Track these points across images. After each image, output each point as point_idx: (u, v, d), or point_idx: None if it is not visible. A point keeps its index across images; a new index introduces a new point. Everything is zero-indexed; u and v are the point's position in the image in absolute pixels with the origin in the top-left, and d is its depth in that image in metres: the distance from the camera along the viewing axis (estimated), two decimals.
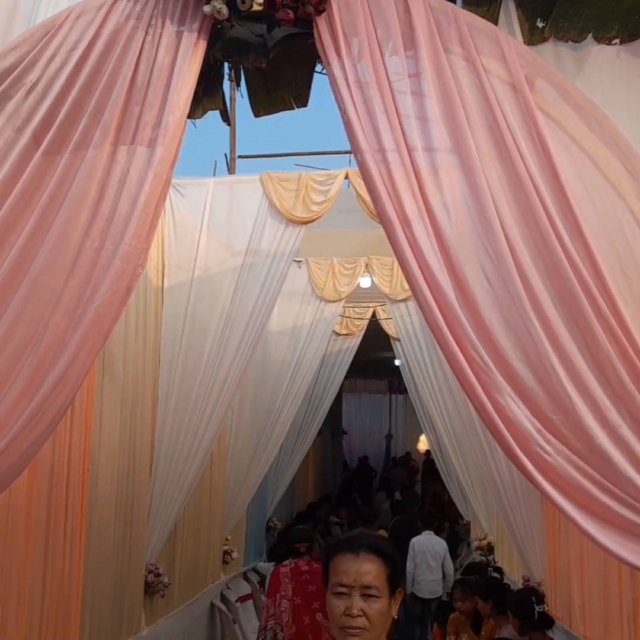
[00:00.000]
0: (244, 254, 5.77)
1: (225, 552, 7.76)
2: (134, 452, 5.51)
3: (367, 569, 2.05)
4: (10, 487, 4.04)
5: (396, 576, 2.11)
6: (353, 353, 9.65)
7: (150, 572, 5.70)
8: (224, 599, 7.52)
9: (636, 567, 2.30)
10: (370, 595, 2.03)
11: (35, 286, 2.46)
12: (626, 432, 2.27)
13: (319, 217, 5.44)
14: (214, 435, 6.02)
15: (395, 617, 2.10)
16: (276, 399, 8.10)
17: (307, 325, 8.07)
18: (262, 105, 2.95)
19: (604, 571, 4.29)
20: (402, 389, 18.68)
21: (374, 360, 13.61)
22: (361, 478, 17.26)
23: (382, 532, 9.55)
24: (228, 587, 7.79)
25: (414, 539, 8.39)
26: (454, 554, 10.74)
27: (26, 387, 2.40)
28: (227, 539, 7.83)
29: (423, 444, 17.65)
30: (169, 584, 5.86)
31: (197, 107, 2.82)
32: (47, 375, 2.40)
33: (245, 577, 8.52)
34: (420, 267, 2.44)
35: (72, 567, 4.63)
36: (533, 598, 4.77)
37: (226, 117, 2.94)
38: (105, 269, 2.46)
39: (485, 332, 2.37)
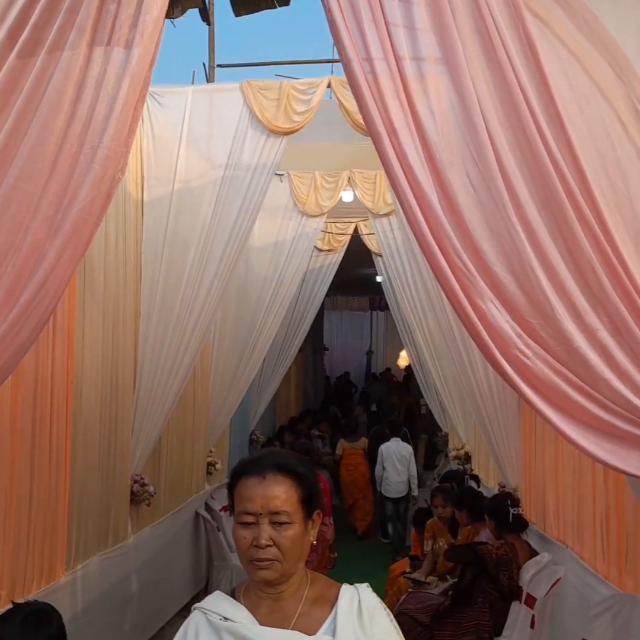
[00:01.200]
0: (225, 167, 5.67)
1: (209, 464, 7.92)
2: (117, 366, 5.54)
3: (275, 492, 1.81)
4: None
5: (311, 497, 1.87)
6: (335, 269, 9.65)
7: (135, 482, 5.82)
8: (208, 508, 7.71)
9: (611, 466, 2.37)
10: (280, 522, 1.80)
11: (13, 192, 2.41)
12: (604, 335, 2.31)
13: (301, 127, 5.33)
14: (196, 350, 6.06)
15: (313, 542, 1.89)
16: (258, 314, 8.12)
17: (289, 240, 8.03)
18: (242, 3, 2.85)
19: (578, 478, 4.42)
20: (383, 306, 18.81)
21: (356, 277, 13.65)
22: (342, 393, 17.53)
23: (364, 441, 9.73)
24: (212, 497, 7.97)
25: (382, 446, 9.27)
26: (432, 465, 11.06)
27: (7, 295, 2.38)
28: (211, 451, 7.97)
29: (403, 360, 17.90)
30: (155, 493, 5.99)
31: (175, 6, 2.73)
32: (28, 283, 2.39)
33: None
34: (405, 174, 2.42)
35: (59, 477, 4.71)
36: (508, 501, 4.94)
37: (206, 16, 2.84)
38: (84, 173, 2.41)
39: (468, 237, 2.38)
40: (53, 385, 4.63)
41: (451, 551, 5.38)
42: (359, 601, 1.84)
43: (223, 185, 5.67)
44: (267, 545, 1.77)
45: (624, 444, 2.31)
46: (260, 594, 1.85)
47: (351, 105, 4.99)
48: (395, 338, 17.84)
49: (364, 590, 1.89)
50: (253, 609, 1.84)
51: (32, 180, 2.42)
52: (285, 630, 1.80)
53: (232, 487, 1.88)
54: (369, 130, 2.48)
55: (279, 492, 1.81)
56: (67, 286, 2.60)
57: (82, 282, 5.05)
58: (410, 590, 5.85)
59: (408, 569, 6.36)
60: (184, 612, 6.99)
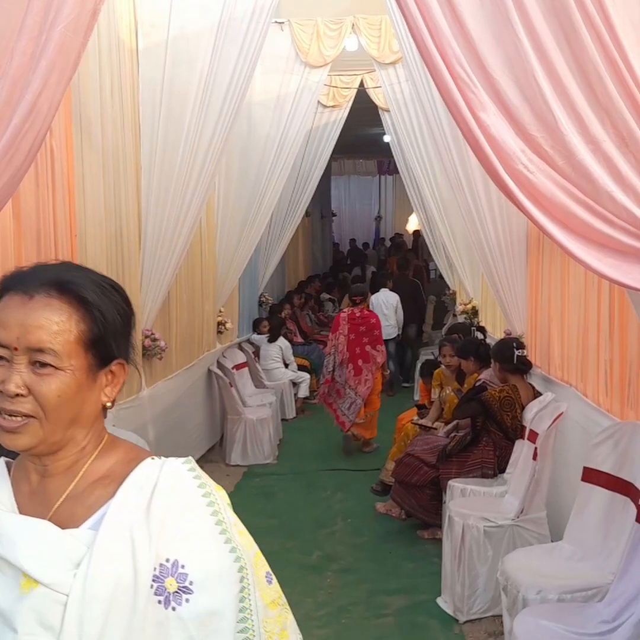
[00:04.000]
0: (221, 11, 5.42)
1: (220, 323, 8.02)
2: (121, 221, 5.51)
3: (40, 320, 1.20)
4: None
5: (105, 339, 1.25)
6: (340, 127, 9.38)
7: (146, 337, 5.91)
8: (220, 365, 7.87)
9: (614, 280, 2.37)
10: (43, 364, 1.20)
11: None
12: (610, 147, 2.24)
13: None
14: (200, 205, 5.99)
15: (110, 405, 1.29)
16: (262, 173, 7.98)
17: (292, 94, 7.77)
18: None
19: (584, 317, 4.45)
20: (391, 170, 18.49)
21: (363, 137, 13.33)
22: (352, 259, 17.53)
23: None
24: (224, 356, 8.13)
25: (372, 296, 9.93)
26: (441, 324, 11.18)
27: None
28: (220, 311, 8.06)
29: (412, 225, 17.78)
30: (166, 348, 6.09)
31: None
32: (17, 106, 2.32)
33: (239, 347, 8.87)
34: None
35: None
36: (514, 343, 5.00)
37: None
38: None
39: (471, 47, 2.27)
40: (56, 238, 4.62)
41: (458, 410, 5.44)
42: (157, 483, 1.21)
43: (220, 33, 5.43)
44: (18, 395, 1.19)
45: (627, 258, 2.29)
46: (28, 465, 1.29)
47: None
48: (404, 203, 17.66)
49: (173, 467, 1.24)
50: (17, 486, 1.29)
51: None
52: (34, 519, 1.22)
53: None
54: None
55: (45, 321, 1.20)
56: (57, 111, 2.52)
57: (79, 134, 4.94)
58: (418, 437, 6.05)
59: (416, 417, 6.53)
60: (201, 462, 7.28)
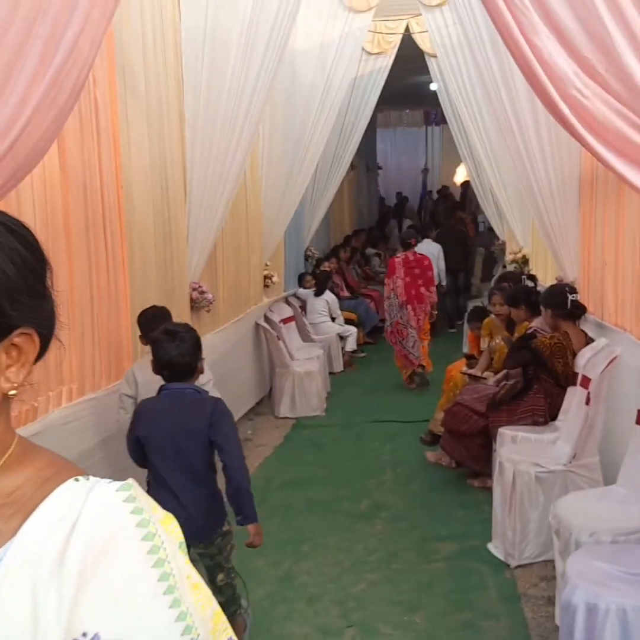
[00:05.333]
0: None
1: (266, 277, 8.02)
2: (166, 172, 5.50)
3: None
4: (46, 205, 4.10)
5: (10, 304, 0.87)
6: (385, 74, 9.18)
7: (194, 289, 5.94)
8: (267, 319, 7.89)
9: None
10: None
11: None
12: None
13: None
14: (244, 155, 5.95)
15: (14, 392, 0.89)
16: (306, 124, 7.88)
17: (335, 41, 7.63)
18: None
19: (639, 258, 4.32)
20: (438, 120, 18.13)
21: (409, 86, 13.06)
22: (399, 213, 17.32)
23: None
24: (271, 310, 8.14)
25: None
26: (490, 275, 11.02)
27: (40, 59, 2.30)
28: (266, 265, 8.05)
29: (460, 177, 17.46)
30: (213, 300, 6.12)
31: None
32: (59, 45, 2.30)
33: (286, 301, 8.88)
34: None
35: (117, 280, 4.81)
36: (566, 289, 4.88)
37: None
38: None
39: None
40: (102, 190, 4.63)
41: (508, 360, 5.34)
42: (78, 518, 0.82)
43: None
44: None
45: None
46: None
47: None
48: (451, 154, 17.32)
49: (103, 495, 0.85)
50: None
51: None
52: None
53: None
54: None
55: None
56: (98, 50, 2.49)
57: (122, 85, 4.92)
58: (467, 386, 6.00)
59: (465, 368, 6.47)
60: (250, 414, 7.36)
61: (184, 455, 3.05)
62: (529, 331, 5.24)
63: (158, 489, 3.07)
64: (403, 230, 14.87)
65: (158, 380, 3.32)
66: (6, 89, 2.28)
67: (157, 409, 3.11)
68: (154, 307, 4.48)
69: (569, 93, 2.18)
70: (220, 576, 3.29)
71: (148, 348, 3.81)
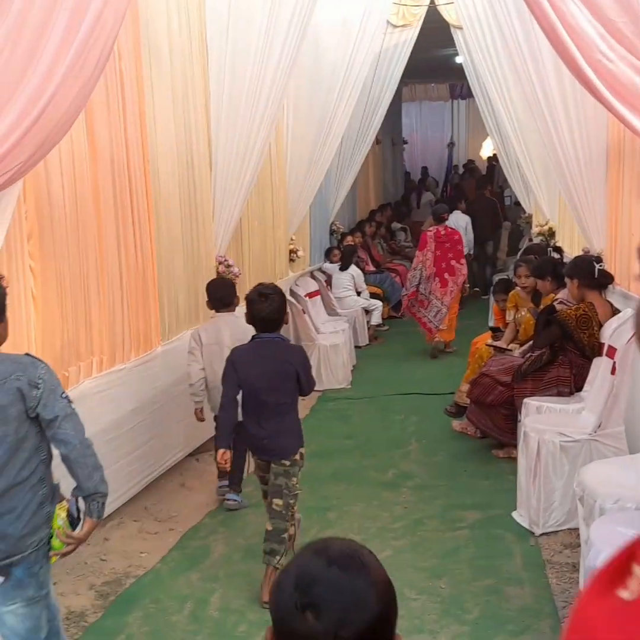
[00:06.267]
0: None
1: (291, 251, 8.05)
2: (192, 146, 5.54)
3: None
4: (74, 178, 4.15)
5: None
6: (410, 47, 9.09)
7: (220, 263, 5.99)
8: (293, 293, 7.93)
9: None
10: None
11: None
12: None
13: None
14: (269, 129, 5.96)
15: None
16: (331, 97, 7.85)
17: (360, 13, 7.58)
18: None
19: None
20: (464, 94, 17.95)
21: (434, 60, 12.94)
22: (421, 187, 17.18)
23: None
24: (296, 284, 8.18)
25: None
26: (516, 249, 10.96)
27: (65, 31, 2.34)
28: (292, 239, 8.07)
29: (485, 151, 17.31)
30: (239, 274, 6.16)
31: None
32: (84, 17, 2.33)
33: (312, 276, 8.91)
34: None
35: (145, 253, 4.87)
36: (593, 258, 4.86)
37: None
38: None
39: None
40: (129, 163, 4.68)
41: (538, 339, 5.23)
42: None
43: None
44: None
45: None
46: None
47: None
48: (477, 128, 17.17)
49: None
50: None
51: None
52: None
53: None
54: None
55: None
56: (122, 22, 2.53)
57: (148, 60, 4.96)
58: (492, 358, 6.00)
59: (490, 340, 6.47)
60: None
61: (274, 389, 3.67)
62: (556, 302, 5.23)
63: (247, 419, 3.74)
64: (421, 203, 14.90)
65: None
66: (33, 61, 2.32)
67: (251, 353, 3.74)
68: (220, 278, 5.59)
69: (595, 57, 2.17)
70: (278, 501, 3.70)
71: (211, 313, 4.98)
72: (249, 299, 3.72)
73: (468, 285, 8.89)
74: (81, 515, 2.44)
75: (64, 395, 2.42)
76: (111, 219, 4.50)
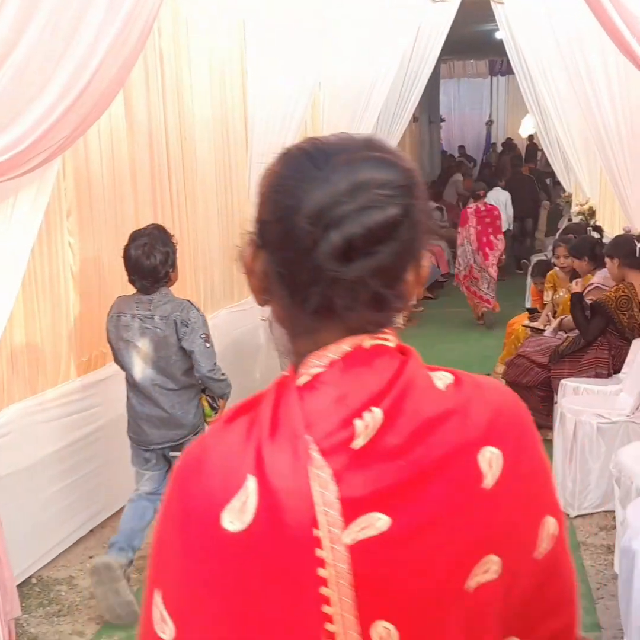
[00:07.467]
0: None
1: None
2: (228, 127, 5.56)
3: None
4: (113, 154, 4.18)
5: None
6: (449, 22, 8.92)
7: None
8: None
9: None
10: None
11: None
12: None
13: None
14: (305, 106, 5.96)
15: None
16: (368, 72, 7.76)
17: None
18: None
19: None
20: (504, 70, 17.65)
21: (474, 35, 12.73)
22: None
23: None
24: None
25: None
26: (554, 230, 10.81)
27: (109, 6, 2.34)
28: None
29: (525, 129, 17.04)
30: None
31: None
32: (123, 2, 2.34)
33: None
34: None
35: (181, 231, 4.89)
36: (634, 237, 4.76)
37: None
38: None
39: None
40: (168, 141, 4.71)
41: (586, 333, 5.02)
42: None
43: None
44: None
45: None
46: None
47: None
48: (517, 106, 16.88)
49: None
50: None
51: None
52: None
53: None
54: None
55: None
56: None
57: (185, 37, 4.96)
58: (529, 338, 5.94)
59: (527, 321, 6.41)
60: None
61: None
62: (590, 288, 5.15)
63: None
64: (448, 183, 14.73)
65: None
66: (75, 37, 2.33)
67: None
68: None
69: None
70: None
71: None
72: None
73: (504, 256, 9.29)
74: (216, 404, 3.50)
75: (202, 336, 3.27)
76: (148, 196, 4.53)
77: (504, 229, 10.46)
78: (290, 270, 0.85)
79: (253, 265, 0.91)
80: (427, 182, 14.22)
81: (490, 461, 0.86)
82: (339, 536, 0.80)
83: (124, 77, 2.55)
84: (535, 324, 6.13)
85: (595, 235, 6.31)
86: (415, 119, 12.32)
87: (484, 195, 9.00)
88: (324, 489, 0.80)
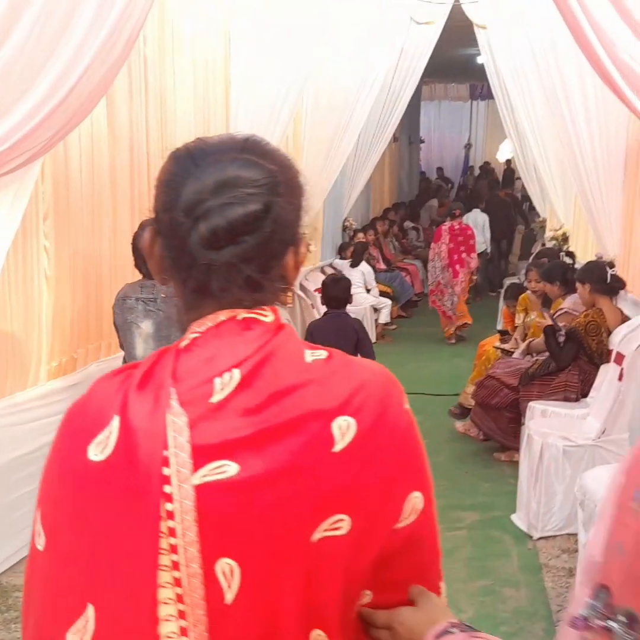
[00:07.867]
0: None
1: None
2: (210, 134, 5.54)
3: None
4: (93, 160, 4.17)
5: None
6: (432, 45, 9.05)
7: None
8: (302, 287, 7.94)
9: None
10: None
11: None
12: None
13: None
14: (287, 122, 5.99)
15: None
16: (350, 92, 7.84)
17: (382, 7, 7.56)
18: None
19: None
20: (484, 94, 17.87)
21: (455, 59, 12.89)
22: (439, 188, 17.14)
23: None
24: (306, 279, 8.19)
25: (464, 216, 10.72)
26: (528, 254, 10.94)
27: (97, 11, 2.35)
28: (303, 233, 8.07)
29: (503, 154, 17.25)
30: None
31: None
32: (113, 6, 2.34)
33: (322, 271, 8.91)
34: None
35: None
36: (606, 264, 4.84)
37: None
38: None
39: None
40: (148, 148, 4.70)
41: (559, 360, 5.01)
42: None
43: None
44: None
45: None
46: None
47: None
48: (495, 131, 17.09)
49: None
50: None
51: None
52: None
53: None
54: None
55: None
56: (151, 5, 2.54)
57: (170, 45, 4.97)
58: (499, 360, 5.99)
59: (498, 343, 6.47)
60: None
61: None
62: (559, 313, 5.22)
63: None
64: (423, 208, 14.97)
65: None
66: (61, 40, 2.33)
67: (326, 324, 4.77)
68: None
69: (620, 57, 2.17)
70: None
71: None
72: (324, 284, 4.88)
73: (476, 276, 9.51)
74: None
75: None
76: (127, 203, 4.52)
77: (480, 250, 10.77)
78: (175, 255, 0.98)
79: (152, 249, 1.03)
80: (405, 202, 14.35)
81: (343, 429, 0.94)
82: (188, 476, 0.90)
83: (110, 79, 2.55)
84: (505, 346, 6.19)
85: (568, 260, 6.41)
86: (395, 139, 12.43)
87: (460, 215, 9.28)
88: (177, 434, 0.91)
